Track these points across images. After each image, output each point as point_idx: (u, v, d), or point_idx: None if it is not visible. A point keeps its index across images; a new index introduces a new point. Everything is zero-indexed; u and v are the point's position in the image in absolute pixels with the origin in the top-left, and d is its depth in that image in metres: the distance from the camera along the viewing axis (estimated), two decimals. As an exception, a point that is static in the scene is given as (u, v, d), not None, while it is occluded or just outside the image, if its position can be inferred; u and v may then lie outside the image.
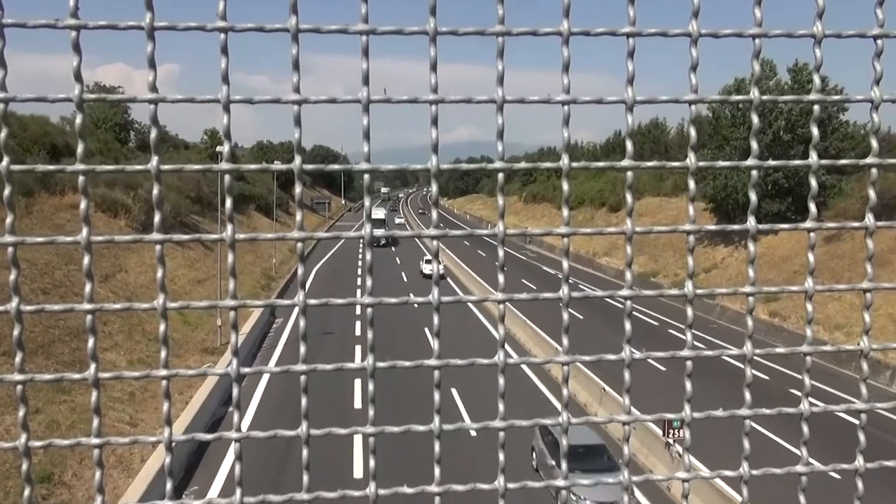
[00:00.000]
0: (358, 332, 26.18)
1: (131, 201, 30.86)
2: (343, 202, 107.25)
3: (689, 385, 1.16)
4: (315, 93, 1.17)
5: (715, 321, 30.13)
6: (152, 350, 20.68)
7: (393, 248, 59.73)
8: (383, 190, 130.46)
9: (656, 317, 31.64)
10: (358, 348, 23.64)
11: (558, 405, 18.23)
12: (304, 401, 1.14)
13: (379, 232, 1.19)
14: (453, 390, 19.12)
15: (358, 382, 19.69)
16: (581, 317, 32.51)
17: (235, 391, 1.11)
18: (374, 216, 71.25)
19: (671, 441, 13.61)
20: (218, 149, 27.99)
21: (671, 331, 29.34)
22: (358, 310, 32.02)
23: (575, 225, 66.90)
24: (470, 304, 27.38)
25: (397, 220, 77.60)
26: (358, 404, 18.14)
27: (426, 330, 28.40)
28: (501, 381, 1.18)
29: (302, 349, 1.18)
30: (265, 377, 20.62)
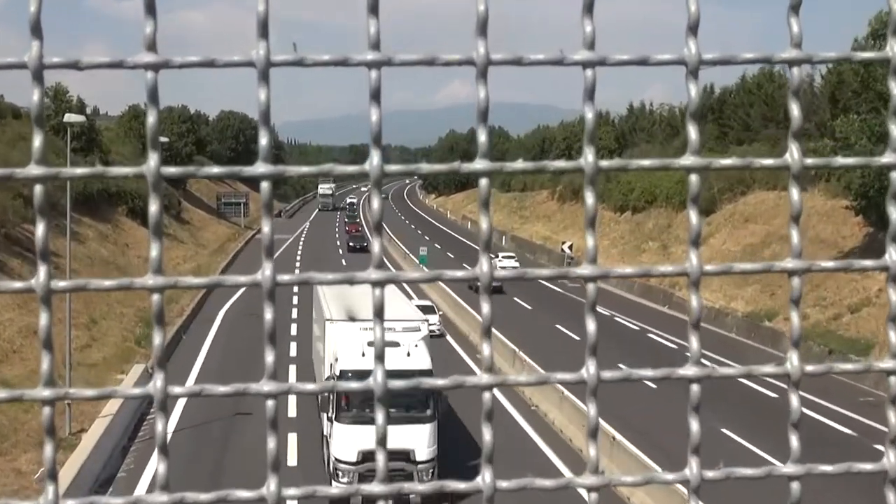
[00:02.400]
0: (292, 376, 29.88)
1: None
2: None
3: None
4: (203, 37, 1.07)
5: (870, 392, 28.89)
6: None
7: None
8: (324, 189, 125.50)
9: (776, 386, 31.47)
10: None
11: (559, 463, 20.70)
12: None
13: (285, 278, 1.06)
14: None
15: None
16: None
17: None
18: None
19: None
20: (68, 118, 27.02)
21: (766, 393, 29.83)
22: (293, 349, 33.09)
23: (643, 235, 68.96)
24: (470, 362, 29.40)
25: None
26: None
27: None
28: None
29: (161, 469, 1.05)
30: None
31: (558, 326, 41.27)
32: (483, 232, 1.10)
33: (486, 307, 1.06)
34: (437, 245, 77.35)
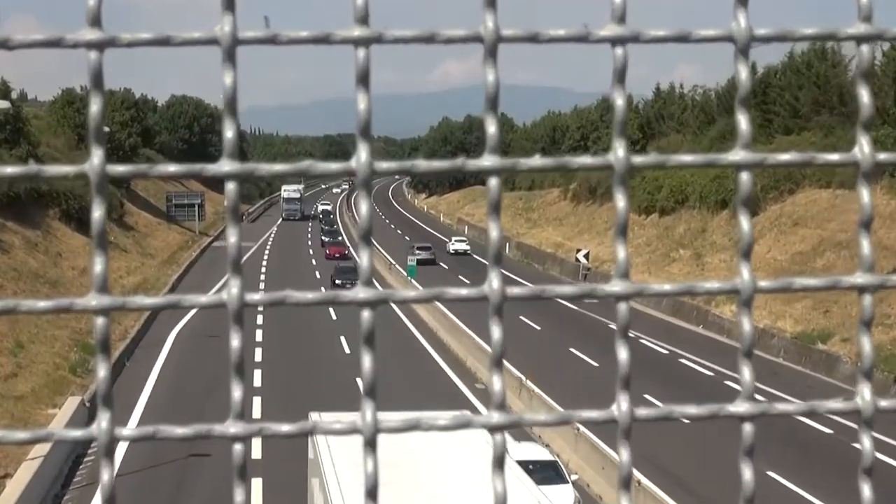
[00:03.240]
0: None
1: None
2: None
3: None
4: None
5: None
6: None
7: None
8: (289, 192, 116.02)
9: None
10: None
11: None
12: None
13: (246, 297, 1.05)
14: None
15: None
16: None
17: None
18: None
19: None
20: None
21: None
22: (258, 378, 33.29)
23: (673, 242, 68.72)
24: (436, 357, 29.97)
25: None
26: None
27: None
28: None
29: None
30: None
31: (573, 350, 41.27)
32: (492, 240, 1.09)
33: (496, 332, 1.05)
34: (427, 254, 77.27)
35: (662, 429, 25.88)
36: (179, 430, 1.05)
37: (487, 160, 1.08)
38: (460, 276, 65.07)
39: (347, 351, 39.98)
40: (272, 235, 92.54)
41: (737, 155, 1.11)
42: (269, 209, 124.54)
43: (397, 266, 65.41)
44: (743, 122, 1.11)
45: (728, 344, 42.94)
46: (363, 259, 1.08)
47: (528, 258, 77.07)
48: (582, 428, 24.80)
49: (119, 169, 1.12)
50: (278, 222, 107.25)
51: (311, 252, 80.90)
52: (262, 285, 59.95)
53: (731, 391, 29.91)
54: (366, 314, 1.07)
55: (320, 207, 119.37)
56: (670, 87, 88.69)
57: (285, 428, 1.06)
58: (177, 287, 58.48)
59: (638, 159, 1.09)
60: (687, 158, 1.13)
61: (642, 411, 1.09)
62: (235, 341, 1.05)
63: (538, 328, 46.89)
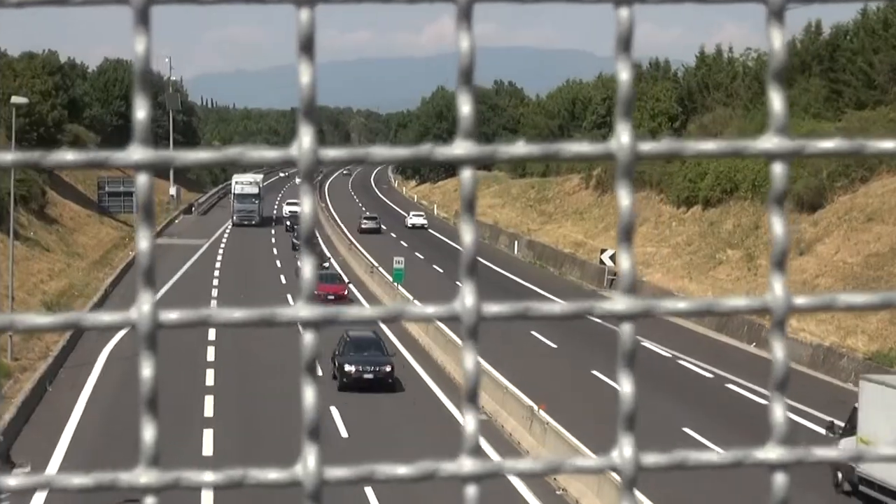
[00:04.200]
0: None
1: None
2: (173, 191, 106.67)
3: None
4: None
5: None
6: None
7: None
8: (243, 186, 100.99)
9: None
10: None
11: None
12: None
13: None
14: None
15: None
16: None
17: None
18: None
19: None
20: None
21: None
22: (209, 406, 33.39)
23: (719, 240, 68.43)
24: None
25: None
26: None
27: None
28: None
29: None
30: None
31: (596, 374, 41.28)
32: (466, 246, 1.08)
33: (469, 361, 1.05)
34: (418, 254, 77.49)
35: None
36: (77, 480, 1.05)
37: (459, 147, 1.07)
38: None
39: (320, 373, 40.03)
40: (227, 233, 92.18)
41: (769, 141, 1.11)
42: (224, 199, 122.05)
43: (381, 269, 65.47)
44: (776, 101, 1.11)
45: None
46: (306, 269, 1.08)
47: (540, 260, 77.17)
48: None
49: (6, 157, 1.11)
50: (226, 228, 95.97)
51: (275, 252, 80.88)
52: (214, 292, 59.97)
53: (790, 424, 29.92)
54: (308, 336, 1.06)
55: (287, 209, 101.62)
56: (717, 50, 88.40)
57: (208, 478, 1.06)
58: (109, 294, 58.49)
59: (645, 146, 1.08)
60: (708, 146, 1.12)
61: (650, 458, 1.09)
62: (147, 370, 1.05)
63: (554, 346, 46.92)
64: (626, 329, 1.08)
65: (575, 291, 62.13)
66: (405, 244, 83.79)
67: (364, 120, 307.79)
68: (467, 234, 1.08)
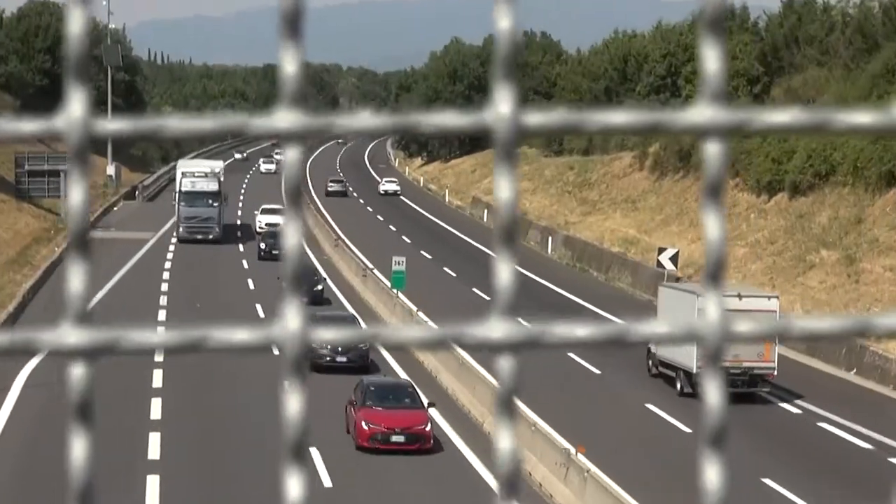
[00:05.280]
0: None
1: None
2: (111, 170, 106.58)
3: None
4: None
5: None
6: None
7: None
8: (189, 181, 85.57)
9: None
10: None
11: None
12: None
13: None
14: None
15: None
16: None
17: None
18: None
19: None
20: None
21: None
22: (155, 448, 33.57)
23: (811, 238, 67.62)
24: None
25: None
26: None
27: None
28: None
29: None
30: None
31: (651, 407, 41.24)
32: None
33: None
34: (424, 252, 77.50)
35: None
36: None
37: (282, 118, 1.06)
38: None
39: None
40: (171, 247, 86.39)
41: (699, 113, 1.06)
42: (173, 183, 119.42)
43: (376, 273, 65.54)
44: (711, 58, 1.05)
45: (897, 399, 43.02)
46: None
47: (581, 261, 77.05)
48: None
49: None
50: (169, 245, 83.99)
51: (241, 250, 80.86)
52: (163, 300, 59.99)
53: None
54: (78, 371, 1.05)
55: (263, 221, 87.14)
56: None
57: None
58: (30, 301, 58.50)
59: (533, 118, 1.05)
60: (617, 118, 1.09)
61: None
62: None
63: (597, 371, 46.90)
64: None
65: (625, 302, 62.05)
66: (407, 240, 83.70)
67: (356, 80, 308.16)
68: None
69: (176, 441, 36.21)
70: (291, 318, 1.10)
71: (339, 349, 42.67)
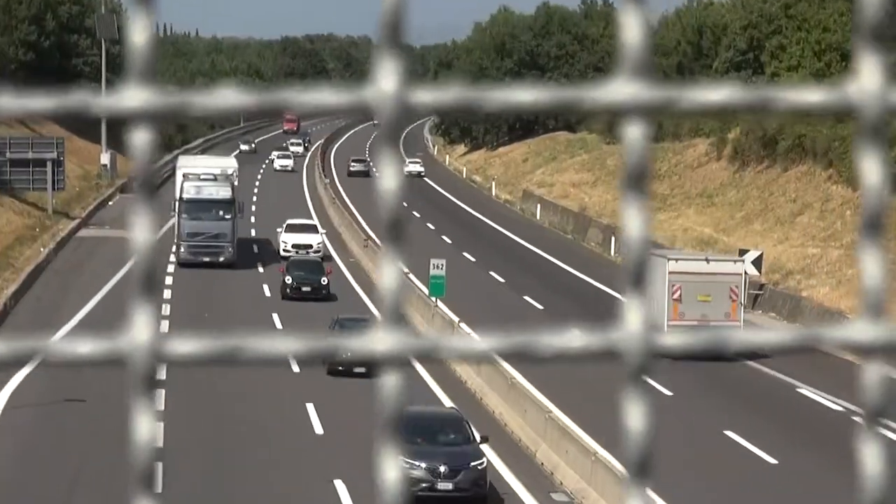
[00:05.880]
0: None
1: None
2: (106, 159, 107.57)
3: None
4: None
5: None
6: None
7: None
8: (192, 186, 77.91)
9: None
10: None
11: None
12: None
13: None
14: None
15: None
16: None
17: None
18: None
19: None
20: None
21: None
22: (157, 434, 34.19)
23: None
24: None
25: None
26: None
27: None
28: None
29: None
30: None
31: (731, 435, 41.42)
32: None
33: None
34: (466, 255, 78.01)
35: None
36: None
37: (131, 97, 0.92)
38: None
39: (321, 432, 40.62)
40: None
41: (616, 90, 1.04)
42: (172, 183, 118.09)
43: (412, 278, 65.93)
44: (631, 27, 1.07)
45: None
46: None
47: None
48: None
49: None
50: (167, 267, 76.23)
51: (255, 250, 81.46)
52: (166, 308, 60.45)
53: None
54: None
55: (288, 241, 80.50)
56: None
57: None
58: (11, 309, 59.11)
59: (422, 96, 0.97)
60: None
61: None
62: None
63: (669, 393, 47.10)
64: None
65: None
66: (448, 239, 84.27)
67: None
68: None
69: (177, 437, 36.60)
70: (140, 329, 1.15)
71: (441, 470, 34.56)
